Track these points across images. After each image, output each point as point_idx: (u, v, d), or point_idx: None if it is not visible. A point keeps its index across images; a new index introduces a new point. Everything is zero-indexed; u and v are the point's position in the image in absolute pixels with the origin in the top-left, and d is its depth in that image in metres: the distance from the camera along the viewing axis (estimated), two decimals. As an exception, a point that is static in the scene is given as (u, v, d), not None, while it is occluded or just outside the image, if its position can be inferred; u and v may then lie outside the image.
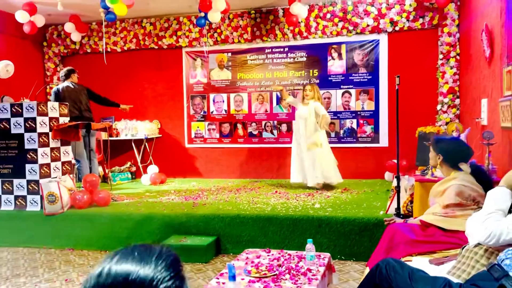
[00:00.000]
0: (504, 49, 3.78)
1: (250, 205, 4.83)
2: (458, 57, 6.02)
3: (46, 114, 5.12)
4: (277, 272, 2.65)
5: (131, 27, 7.26)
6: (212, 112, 7.23)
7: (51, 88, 7.62)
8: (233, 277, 2.41)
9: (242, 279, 2.57)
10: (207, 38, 6.98)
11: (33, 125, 5.01)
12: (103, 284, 0.75)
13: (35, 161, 5.03)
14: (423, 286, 1.80)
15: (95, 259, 4.40)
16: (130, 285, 0.74)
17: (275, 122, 6.96)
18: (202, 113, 7.26)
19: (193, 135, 7.33)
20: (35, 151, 5.02)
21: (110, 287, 0.74)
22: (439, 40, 6.14)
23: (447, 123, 5.85)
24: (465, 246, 2.08)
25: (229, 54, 7.07)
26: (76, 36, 7.02)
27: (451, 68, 6.05)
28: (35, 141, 5.02)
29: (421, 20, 6.17)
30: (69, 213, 4.89)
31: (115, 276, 0.75)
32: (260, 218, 4.36)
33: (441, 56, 6.12)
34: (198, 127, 7.30)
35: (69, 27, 6.85)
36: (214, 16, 5.92)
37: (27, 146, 5.04)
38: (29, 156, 5.04)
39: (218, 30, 6.94)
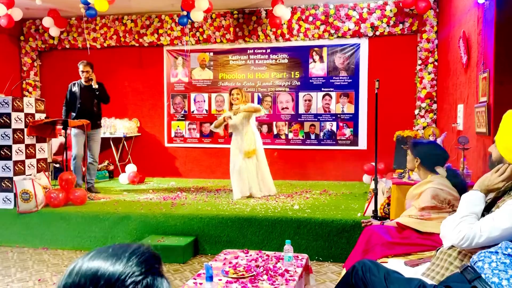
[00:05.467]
0: (480, 56, 3.87)
1: (229, 206, 4.82)
2: (436, 63, 6.15)
3: (21, 110, 5.00)
4: (254, 273, 2.64)
5: (112, 23, 7.16)
6: (192, 112, 7.19)
7: (27, 83, 7.46)
8: (210, 278, 2.40)
9: (220, 279, 2.56)
10: (189, 37, 6.94)
11: (8, 121, 4.88)
12: (72, 283, 0.73)
13: (9, 158, 4.90)
14: (398, 287, 1.82)
15: (70, 258, 4.32)
16: (98, 280, 0.72)
17: (256, 123, 6.96)
18: (182, 112, 7.22)
19: (173, 135, 7.27)
20: (9, 147, 4.90)
21: (78, 286, 0.72)
22: (418, 46, 6.26)
23: (424, 128, 5.97)
24: (439, 248, 2.12)
25: (211, 54, 7.04)
26: (54, 31, 6.87)
27: (429, 73, 6.17)
28: (9, 137, 4.89)
29: (401, 26, 6.27)
30: (43, 212, 4.78)
31: (84, 272, 0.73)
32: (239, 219, 4.35)
33: (419, 61, 6.24)
34: (178, 126, 7.25)
35: (47, 21, 6.70)
36: (197, 15, 5.90)
37: (1, 143, 4.90)
38: (2, 153, 4.91)
39: (200, 30, 6.91)
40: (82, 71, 5.62)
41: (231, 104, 5.37)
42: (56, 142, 6.79)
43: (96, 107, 5.77)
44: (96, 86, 5.64)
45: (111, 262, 0.74)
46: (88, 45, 6.91)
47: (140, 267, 0.74)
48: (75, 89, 5.71)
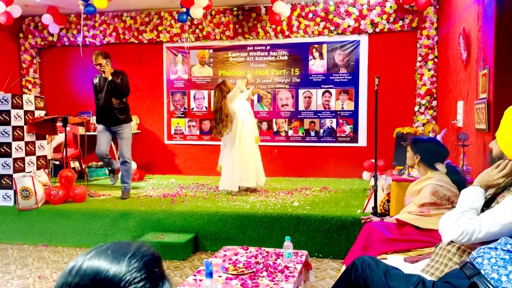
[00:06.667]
0: (480, 53, 3.87)
1: (229, 203, 4.82)
2: (436, 60, 6.14)
3: (21, 107, 4.99)
4: (254, 270, 2.64)
5: (111, 20, 7.14)
6: (192, 109, 7.18)
7: (27, 80, 7.45)
8: (210, 274, 2.40)
9: (220, 276, 2.56)
10: (189, 34, 6.92)
11: (7, 118, 4.88)
12: (70, 284, 0.71)
13: (9, 155, 4.90)
14: (398, 283, 1.82)
15: (70, 255, 4.32)
16: (97, 284, 0.70)
17: (256, 120, 6.96)
18: (182, 109, 7.21)
19: (172, 132, 7.27)
20: (9, 144, 4.90)
21: (77, 286, 0.71)
22: (418, 43, 6.24)
23: (424, 124, 5.96)
24: (439, 244, 2.12)
25: (211, 51, 7.03)
26: (53, 28, 6.86)
27: (429, 70, 6.16)
28: (9, 135, 4.89)
29: (401, 22, 6.26)
30: (43, 209, 4.78)
31: (83, 274, 0.72)
32: (239, 216, 4.36)
33: (419, 58, 6.23)
34: (178, 123, 7.24)
35: (46, 18, 6.68)
36: (196, 12, 5.88)
37: (0, 140, 4.90)
38: (2, 150, 4.91)
39: (200, 26, 6.89)
40: (95, 65, 5.10)
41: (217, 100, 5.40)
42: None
43: (116, 101, 5.17)
44: (110, 78, 5.05)
45: (110, 265, 0.72)
46: (79, 42, 6.88)
47: (140, 273, 0.73)
48: (96, 82, 5.27)
